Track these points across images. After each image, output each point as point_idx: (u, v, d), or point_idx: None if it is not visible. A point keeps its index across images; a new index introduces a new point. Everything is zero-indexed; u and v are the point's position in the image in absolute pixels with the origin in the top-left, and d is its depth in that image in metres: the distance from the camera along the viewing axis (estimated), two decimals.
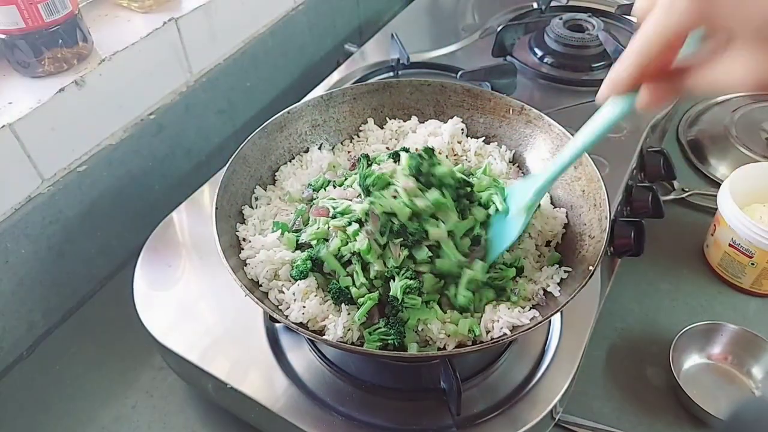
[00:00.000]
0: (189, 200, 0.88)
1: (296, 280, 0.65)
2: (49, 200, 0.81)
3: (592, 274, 0.61)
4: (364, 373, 0.69)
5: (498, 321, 0.63)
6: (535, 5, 1.28)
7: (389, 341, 0.61)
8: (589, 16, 1.14)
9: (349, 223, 0.67)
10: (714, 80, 0.40)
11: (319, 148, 0.83)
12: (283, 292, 0.65)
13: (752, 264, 0.85)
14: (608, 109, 0.50)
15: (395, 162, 0.72)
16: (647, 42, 0.41)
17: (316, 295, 0.65)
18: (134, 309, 0.75)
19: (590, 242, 0.68)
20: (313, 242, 0.68)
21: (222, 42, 1.03)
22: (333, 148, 0.85)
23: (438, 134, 0.82)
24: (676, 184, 1.04)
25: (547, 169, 0.62)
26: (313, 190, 0.76)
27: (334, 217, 0.69)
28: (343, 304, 0.64)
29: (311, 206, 0.73)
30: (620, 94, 0.47)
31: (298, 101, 0.82)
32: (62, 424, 0.77)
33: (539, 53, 1.12)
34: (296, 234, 0.70)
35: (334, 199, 0.72)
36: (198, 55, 0.99)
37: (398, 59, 1.10)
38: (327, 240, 0.67)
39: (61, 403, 0.79)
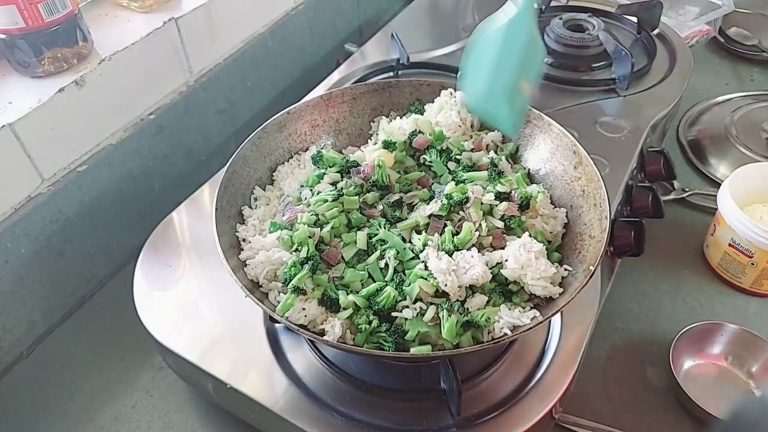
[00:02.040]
0: (189, 200, 0.88)
1: (286, 285, 0.65)
2: (49, 200, 0.81)
3: (593, 274, 0.61)
4: (364, 373, 0.69)
5: (498, 321, 0.63)
6: (535, 5, 1.28)
7: (385, 348, 0.61)
8: (589, 16, 1.14)
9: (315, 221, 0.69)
10: None
11: (320, 149, 0.83)
12: (283, 293, 0.65)
13: (752, 264, 0.85)
14: None
15: None
16: None
17: (315, 297, 0.64)
18: (134, 309, 0.75)
19: (590, 242, 0.68)
20: (300, 247, 0.68)
21: (222, 42, 1.03)
22: (333, 148, 0.84)
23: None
24: (676, 184, 1.04)
25: None
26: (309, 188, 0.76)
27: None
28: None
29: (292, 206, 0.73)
30: None
31: (298, 101, 0.82)
32: (62, 423, 0.77)
33: None
34: (290, 232, 0.70)
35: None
36: (198, 55, 0.98)
37: (398, 59, 1.10)
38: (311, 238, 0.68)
39: (61, 403, 0.79)
